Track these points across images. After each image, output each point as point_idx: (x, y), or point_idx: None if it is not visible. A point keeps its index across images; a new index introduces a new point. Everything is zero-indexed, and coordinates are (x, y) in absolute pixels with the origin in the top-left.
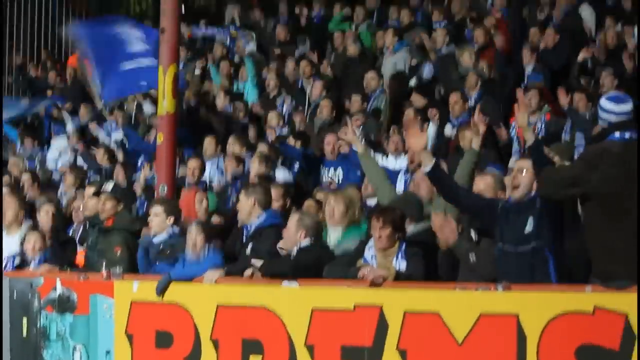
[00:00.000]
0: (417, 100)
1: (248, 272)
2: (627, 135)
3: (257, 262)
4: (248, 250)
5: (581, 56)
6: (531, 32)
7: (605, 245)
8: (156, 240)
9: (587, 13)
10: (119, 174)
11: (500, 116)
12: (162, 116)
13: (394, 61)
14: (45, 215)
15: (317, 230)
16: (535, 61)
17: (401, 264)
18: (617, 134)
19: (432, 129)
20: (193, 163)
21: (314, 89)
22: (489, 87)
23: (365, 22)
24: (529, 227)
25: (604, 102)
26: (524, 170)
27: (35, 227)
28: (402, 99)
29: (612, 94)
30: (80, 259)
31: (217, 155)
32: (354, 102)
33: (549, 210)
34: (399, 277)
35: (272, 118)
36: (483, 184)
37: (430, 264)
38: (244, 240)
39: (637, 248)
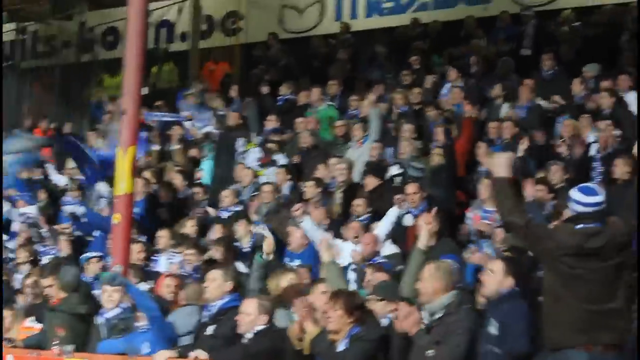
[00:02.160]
0: (370, 182)
1: (193, 355)
2: (591, 225)
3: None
4: (210, 331)
5: (521, 149)
6: (490, 125)
7: (553, 311)
8: (108, 315)
9: (544, 104)
10: (64, 245)
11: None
12: (120, 196)
13: (361, 153)
14: None
15: (273, 314)
16: None
17: (342, 347)
18: (581, 225)
19: (393, 212)
20: (137, 247)
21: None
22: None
23: (325, 104)
24: (493, 330)
25: (573, 192)
26: (492, 271)
27: None
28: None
29: (583, 185)
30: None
31: (170, 249)
32: (309, 187)
33: (516, 314)
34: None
35: (227, 196)
36: (428, 273)
37: (381, 350)
38: (205, 321)
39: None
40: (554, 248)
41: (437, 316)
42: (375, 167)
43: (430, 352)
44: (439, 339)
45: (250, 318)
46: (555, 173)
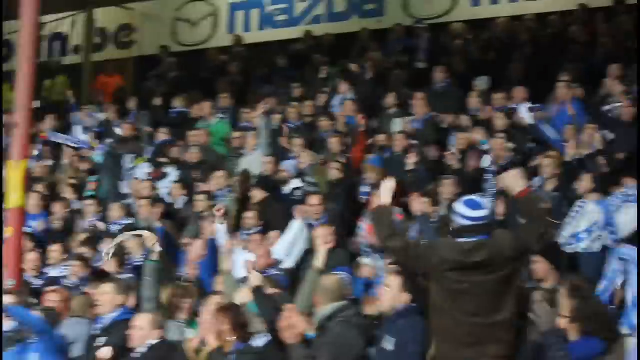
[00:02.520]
0: (257, 194)
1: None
2: (474, 238)
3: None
4: (101, 343)
5: (410, 162)
6: (379, 138)
7: (441, 326)
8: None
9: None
10: None
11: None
12: (12, 210)
13: (253, 159)
14: None
15: (164, 329)
16: None
17: None
18: (463, 239)
19: (296, 225)
20: (32, 257)
21: None
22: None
23: (217, 118)
24: (389, 346)
25: (458, 205)
26: (388, 287)
27: None
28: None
29: (468, 199)
30: None
31: (61, 263)
32: (200, 201)
33: (412, 330)
34: None
35: (114, 209)
36: (329, 283)
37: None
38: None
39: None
40: (437, 264)
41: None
42: (264, 180)
43: None
44: (313, 352)
45: (143, 333)
46: (447, 187)
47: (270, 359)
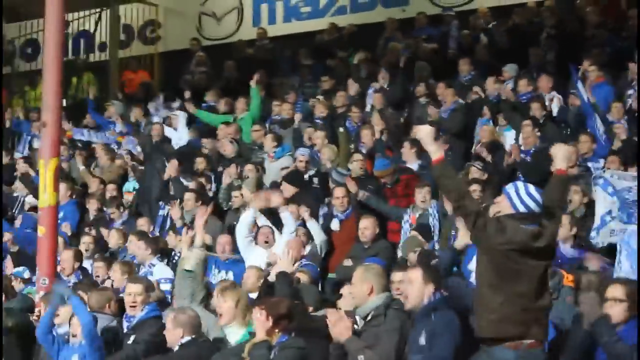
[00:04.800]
0: (287, 189)
1: None
2: (532, 226)
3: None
4: (130, 340)
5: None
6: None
7: (490, 301)
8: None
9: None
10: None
11: None
12: (44, 209)
13: (279, 166)
14: None
15: (196, 325)
16: None
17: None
18: (525, 225)
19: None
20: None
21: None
22: None
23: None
24: (422, 340)
25: (517, 191)
26: (411, 281)
27: None
28: None
29: (529, 187)
30: None
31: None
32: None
33: (444, 325)
34: None
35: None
36: (357, 276)
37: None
38: (126, 331)
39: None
40: (503, 242)
41: (367, 320)
42: (293, 175)
43: (360, 357)
44: (368, 343)
45: (170, 332)
46: (475, 174)
47: (314, 353)
